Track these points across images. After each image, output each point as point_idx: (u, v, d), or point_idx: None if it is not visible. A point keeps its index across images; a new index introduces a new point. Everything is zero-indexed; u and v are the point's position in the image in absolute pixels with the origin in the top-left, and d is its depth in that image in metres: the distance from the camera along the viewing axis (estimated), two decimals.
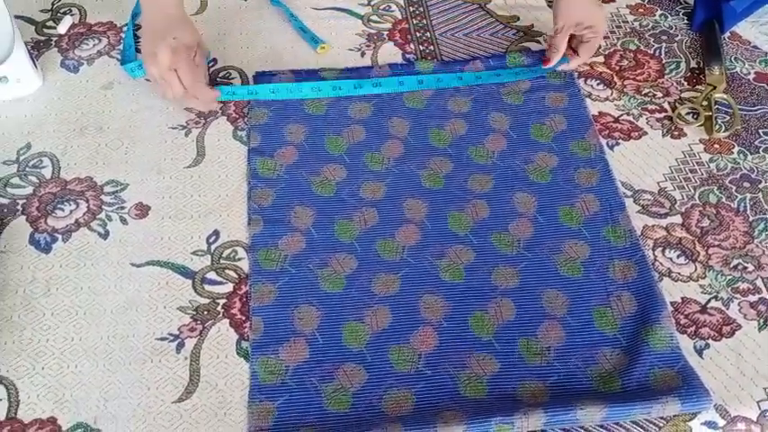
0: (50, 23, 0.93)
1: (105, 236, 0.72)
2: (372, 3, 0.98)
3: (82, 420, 0.61)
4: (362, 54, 0.91)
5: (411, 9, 0.97)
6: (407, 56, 0.91)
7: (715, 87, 0.88)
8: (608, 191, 0.78)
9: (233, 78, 0.87)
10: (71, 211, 0.74)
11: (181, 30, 0.78)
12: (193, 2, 0.96)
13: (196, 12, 0.95)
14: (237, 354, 0.65)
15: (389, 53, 0.91)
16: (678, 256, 0.73)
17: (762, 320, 0.68)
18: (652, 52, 0.93)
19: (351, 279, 0.70)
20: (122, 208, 0.75)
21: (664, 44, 0.94)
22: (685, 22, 0.97)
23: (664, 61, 0.92)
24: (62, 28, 0.92)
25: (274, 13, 0.95)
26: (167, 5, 0.80)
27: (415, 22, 0.96)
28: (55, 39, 0.91)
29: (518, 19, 0.96)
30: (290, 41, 0.92)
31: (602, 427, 0.61)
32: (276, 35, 0.92)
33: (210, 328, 0.66)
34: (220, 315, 0.67)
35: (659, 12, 0.98)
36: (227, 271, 0.70)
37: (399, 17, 0.96)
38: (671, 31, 0.96)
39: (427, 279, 0.70)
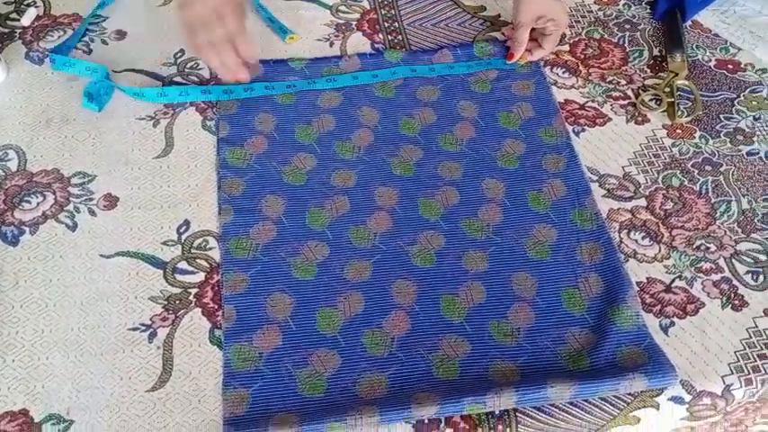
0: (14, 15, 0.91)
1: (74, 228, 0.72)
2: None
3: (54, 412, 0.60)
4: (331, 44, 0.91)
5: (380, 0, 0.98)
6: (376, 45, 0.91)
7: (677, 74, 0.90)
8: (574, 176, 0.79)
9: (201, 69, 0.87)
10: (38, 204, 0.73)
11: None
12: None
13: (162, 3, 0.94)
14: (210, 342, 0.65)
15: (358, 43, 0.92)
16: (643, 238, 0.75)
17: (724, 298, 0.70)
18: (616, 41, 0.95)
19: (323, 266, 0.70)
20: (90, 199, 0.74)
21: (627, 33, 0.96)
22: (648, 11, 0.99)
23: (627, 50, 0.94)
24: (26, 20, 0.90)
25: None
26: None
27: (383, 12, 0.96)
28: (19, 31, 0.90)
29: (485, 9, 0.97)
30: (258, 32, 0.92)
31: (571, 404, 0.63)
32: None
33: (183, 318, 0.66)
34: (192, 304, 0.67)
35: (623, 2, 1.00)
36: (198, 260, 0.70)
37: (368, 7, 0.97)
38: (634, 20, 0.98)
39: (399, 264, 0.71)
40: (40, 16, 0.91)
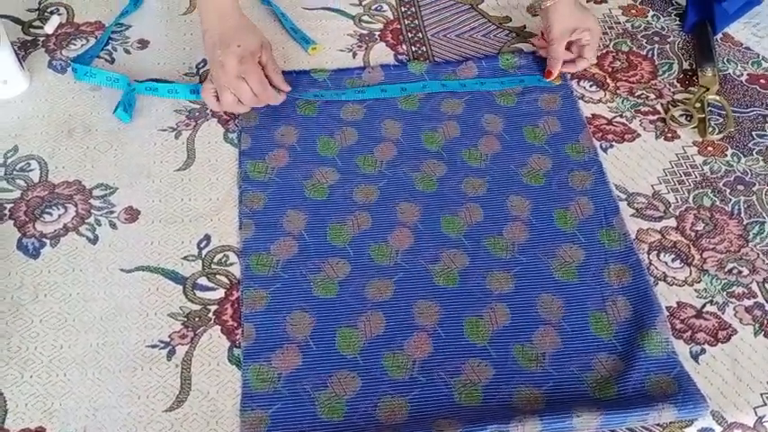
0: (37, 23, 0.91)
1: (94, 241, 0.71)
2: (364, 3, 0.97)
3: (71, 431, 0.60)
4: (354, 55, 0.90)
5: (403, 9, 0.96)
6: (399, 56, 0.90)
7: (708, 89, 0.87)
8: (602, 194, 0.77)
9: None
10: (59, 216, 0.73)
11: (244, 36, 0.77)
12: (182, 2, 0.95)
13: (185, 12, 0.94)
14: (229, 361, 0.64)
15: (381, 54, 0.90)
16: (673, 260, 0.73)
17: (757, 325, 0.68)
18: (645, 53, 0.93)
19: (344, 284, 0.69)
20: (112, 212, 0.73)
21: (656, 45, 0.94)
22: (677, 23, 0.97)
23: (656, 63, 0.92)
24: (49, 28, 0.90)
25: (264, 13, 0.94)
26: (227, 16, 0.78)
27: (407, 22, 0.95)
28: (42, 39, 0.90)
29: (510, 20, 0.96)
30: (280, 42, 0.91)
31: None
32: (266, 35, 0.91)
33: (202, 335, 0.66)
34: (212, 321, 0.66)
35: (651, 13, 0.98)
36: (218, 276, 0.69)
37: (391, 17, 0.95)
38: (663, 33, 0.95)
39: (421, 285, 0.70)
40: (62, 24, 0.91)
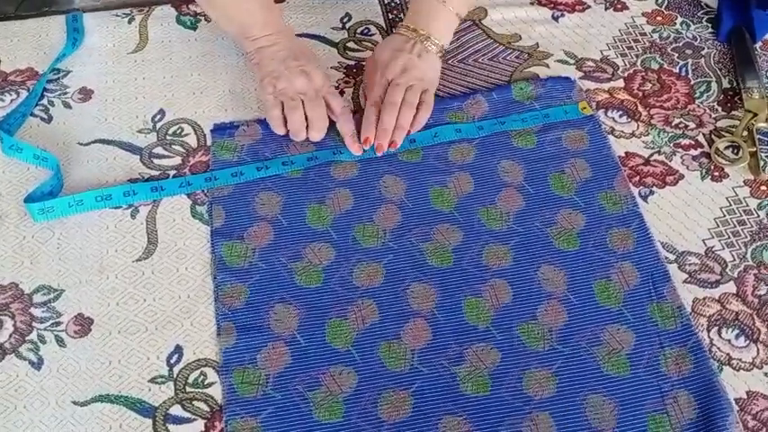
0: None
1: (38, 365, 0.58)
2: (348, 25, 0.82)
3: None
4: (341, 93, 0.76)
5: (394, 31, 0.82)
6: None
7: (756, 114, 0.75)
8: (648, 256, 0.65)
9: (186, 135, 0.72)
10: None
11: (313, 66, 0.72)
12: (131, 37, 0.79)
13: (134, 50, 0.78)
14: None
15: None
16: (737, 337, 0.61)
17: None
18: (678, 71, 0.80)
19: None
20: (58, 324, 0.60)
21: (690, 60, 0.81)
22: (710, 30, 0.84)
23: (692, 82, 0.79)
24: None
25: (230, 46, 0.79)
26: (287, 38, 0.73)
27: None
28: None
29: (520, 38, 0.82)
30: (254, 81, 0.76)
31: None
32: (237, 74, 0.76)
33: None
34: None
35: (680, 19, 0.85)
36: (195, 403, 0.56)
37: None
38: (696, 43, 0.82)
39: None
40: None
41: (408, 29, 0.74)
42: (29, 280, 0.62)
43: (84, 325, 0.60)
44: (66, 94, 0.74)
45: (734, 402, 0.58)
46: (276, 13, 0.74)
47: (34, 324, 0.60)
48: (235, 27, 0.73)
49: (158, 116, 0.73)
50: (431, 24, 0.74)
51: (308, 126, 0.70)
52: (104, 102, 0.74)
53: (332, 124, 0.72)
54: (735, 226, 0.68)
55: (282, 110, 0.70)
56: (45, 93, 0.74)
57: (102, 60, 0.77)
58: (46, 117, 0.72)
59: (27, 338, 0.59)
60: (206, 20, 0.81)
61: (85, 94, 0.74)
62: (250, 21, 0.71)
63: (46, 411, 0.55)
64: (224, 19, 0.73)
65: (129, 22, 0.80)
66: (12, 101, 0.73)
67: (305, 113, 0.70)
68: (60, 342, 0.59)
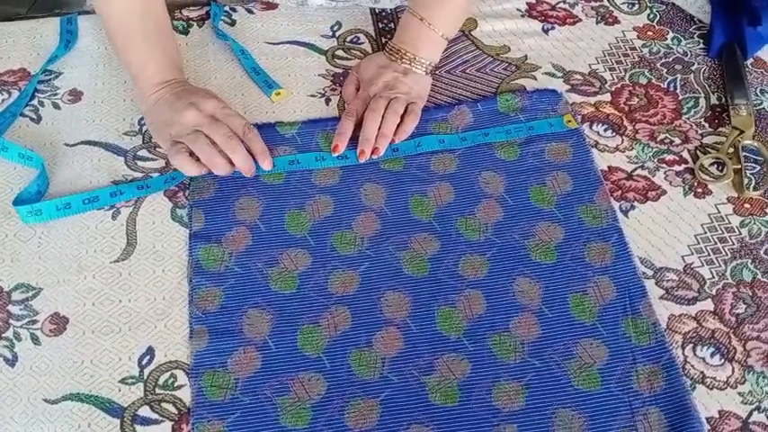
0: None
1: (13, 362, 0.58)
2: (338, 33, 0.83)
3: None
4: (327, 101, 0.76)
5: (383, 41, 0.82)
6: None
7: (742, 132, 0.75)
8: (625, 271, 0.65)
9: None
10: None
11: (199, 97, 0.69)
12: None
13: None
14: None
15: None
16: (712, 355, 0.61)
17: None
18: (666, 86, 0.79)
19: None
20: (34, 322, 0.60)
21: (679, 75, 0.81)
22: (701, 46, 0.84)
23: (680, 97, 0.78)
24: None
25: (221, 51, 0.80)
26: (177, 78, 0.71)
27: None
28: None
29: (509, 50, 0.82)
30: (238, 86, 0.77)
31: None
32: (222, 79, 0.77)
33: None
34: None
35: (671, 34, 0.85)
36: (163, 404, 0.57)
37: (370, 51, 0.81)
38: (686, 59, 0.82)
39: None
40: None
41: (394, 49, 0.74)
42: (8, 278, 0.63)
43: (59, 324, 0.60)
44: (56, 95, 0.75)
45: (705, 421, 0.57)
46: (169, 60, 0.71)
47: (11, 321, 0.60)
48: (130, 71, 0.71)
49: (142, 123, 0.74)
50: (418, 46, 0.74)
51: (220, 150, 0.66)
52: (93, 103, 0.74)
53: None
54: (716, 243, 0.68)
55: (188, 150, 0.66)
56: (36, 93, 0.75)
57: (94, 62, 0.78)
58: (35, 117, 0.73)
59: (3, 335, 0.60)
60: (198, 25, 0.82)
61: (75, 95, 0.75)
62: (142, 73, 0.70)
63: (17, 408, 0.56)
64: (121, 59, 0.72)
65: None
66: (3, 101, 0.74)
67: (210, 140, 0.66)
68: (35, 340, 0.59)
